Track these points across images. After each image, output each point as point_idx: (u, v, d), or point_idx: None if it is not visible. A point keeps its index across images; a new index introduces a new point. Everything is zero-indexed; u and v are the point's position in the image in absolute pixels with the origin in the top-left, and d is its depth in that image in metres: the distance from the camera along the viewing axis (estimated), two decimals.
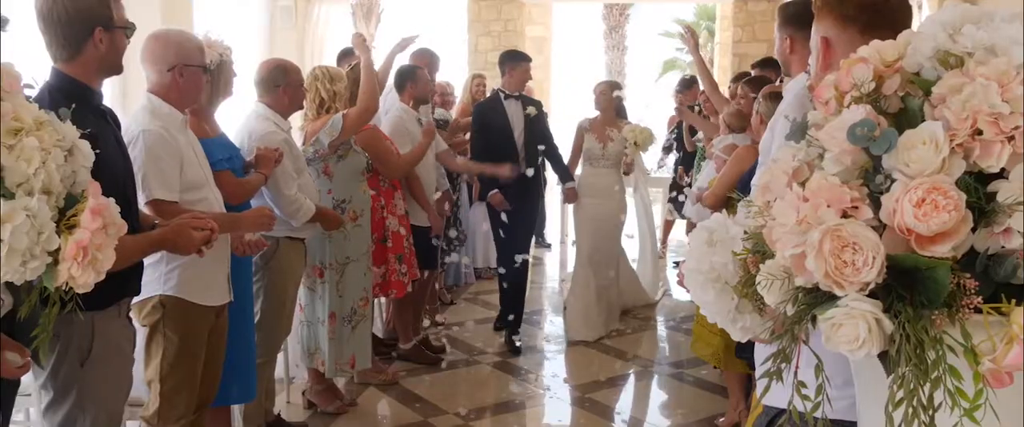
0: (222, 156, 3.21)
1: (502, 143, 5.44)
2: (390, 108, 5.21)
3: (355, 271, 4.23)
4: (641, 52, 22.49)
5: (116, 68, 2.44)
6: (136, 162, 2.72)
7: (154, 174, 2.76)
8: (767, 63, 6.85)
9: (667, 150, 8.18)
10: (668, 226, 8.66)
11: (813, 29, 1.79)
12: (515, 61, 5.61)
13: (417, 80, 5.10)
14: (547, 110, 8.82)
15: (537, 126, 5.58)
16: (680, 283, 1.88)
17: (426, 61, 5.69)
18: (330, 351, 4.21)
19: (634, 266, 6.66)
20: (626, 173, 6.08)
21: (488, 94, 6.33)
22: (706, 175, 5.16)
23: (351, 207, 4.18)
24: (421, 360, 5.14)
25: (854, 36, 1.68)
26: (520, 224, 5.61)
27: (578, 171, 5.94)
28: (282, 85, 3.73)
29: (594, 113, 5.88)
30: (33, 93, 2.06)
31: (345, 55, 5.76)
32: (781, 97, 4.03)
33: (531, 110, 5.55)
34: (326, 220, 3.89)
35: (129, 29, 2.41)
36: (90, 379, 2.39)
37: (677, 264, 8.11)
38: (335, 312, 4.20)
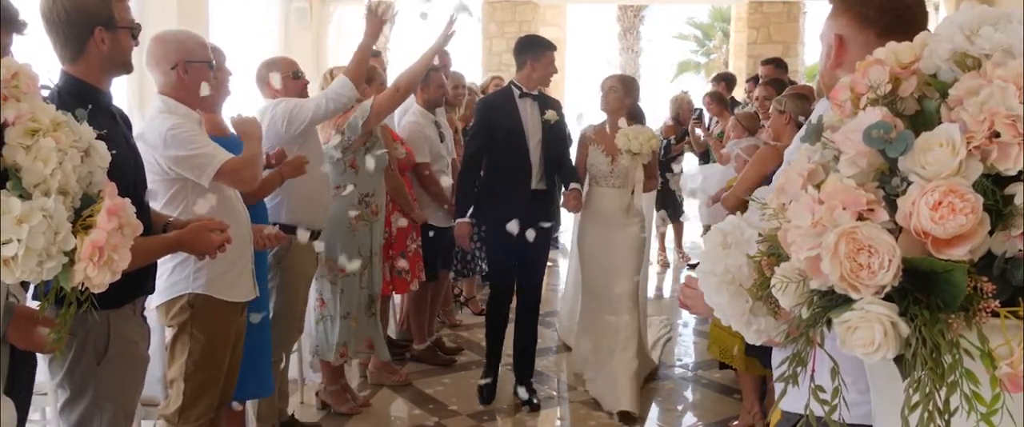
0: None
1: (513, 151, 4.38)
2: (406, 110, 5.20)
3: (376, 264, 4.29)
4: (655, 53, 22.46)
5: (123, 68, 2.45)
6: (179, 155, 2.77)
7: (209, 148, 2.83)
8: (776, 62, 6.86)
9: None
10: (661, 237, 8.61)
11: (826, 26, 1.77)
12: (538, 50, 4.44)
13: (429, 82, 4.99)
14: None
15: (557, 135, 4.54)
16: (682, 305, 1.88)
17: (441, 61, 5.48)
18: (353, 339, 4.27)
19: None
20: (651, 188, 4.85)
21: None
22: (719, 178, 5.14)
23: (374, 201, 4.23)
24: (434, 361, 5.15)
25: (871, 38, 1.66)
26: (529, 253, 4.45)
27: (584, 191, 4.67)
28: (269, 77, 3.80)
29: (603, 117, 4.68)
30: (46, 94, 2.08)
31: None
32: (805, 97, 4.02)
33: (551, 115, 4.42)
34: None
35: (135, 29, 2.42)
36: (106, 377, 2.42)
37: (693, 266, 8.10)
38: (362, 303, 4.27)
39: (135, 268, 1.90)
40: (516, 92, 4.44)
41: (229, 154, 2.88)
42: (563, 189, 4.57)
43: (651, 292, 7.26)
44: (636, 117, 4.77)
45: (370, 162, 4.04)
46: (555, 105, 4.56)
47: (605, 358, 4.53)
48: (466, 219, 4.45)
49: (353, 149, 4.09)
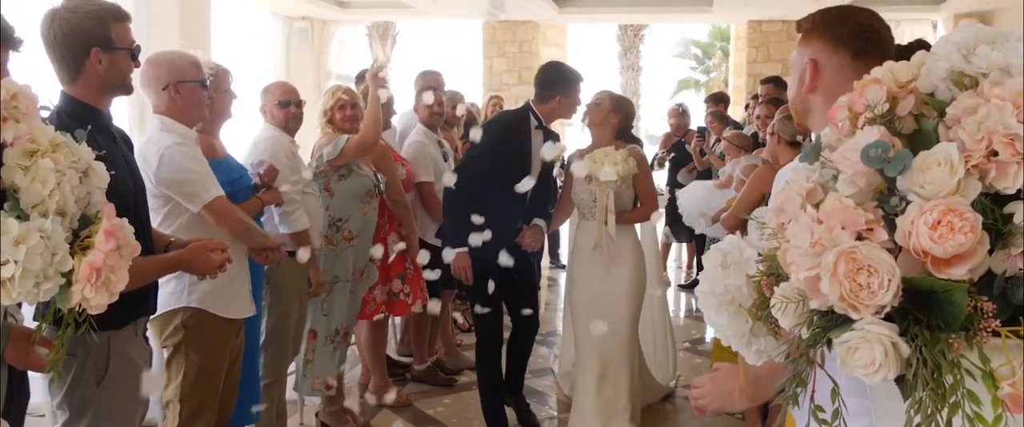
0: (223, 180, 3.21)
1: (513, 185, 3.89)
2: (409, 129, 5.21)
3: (342, 291, 4.15)
4: (655, 72, 22.50)
5: (121, 89, 2.45)
6: (175, 175, 2.80)
7: (205, 176, 2.86)
8: (775, 81, 6.89)
9: (659, 164, 8.14)
10: (665, 250, 8.59)
11: (797, 52, 1.78)
12: (571, 84, 4.13)
13: (418, 104, 5.06)
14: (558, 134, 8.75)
15: (550, 172, 4.26)
16: (696, 410, 1.88)
17: (435, 82, 5.39)
18: (307, 369, 4.15)
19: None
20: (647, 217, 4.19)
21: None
22: (718, 198, 5.14)
23: (347, 226, 4.15)
24: (435, 381, 5.13)
25: (845, 61, 1.69)
26: (514, 288, 4.19)
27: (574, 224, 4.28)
28: (262, 103, 3.85)
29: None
30: (46, 115, 2.08)
31: (362, 76, 5.77)
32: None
33: (550, 151, 4.07)
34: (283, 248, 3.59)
35: (134, 50, 2.42)
36: (106, 398, 2.40)
37: (684, 287, 8.08)
38: (317, 330, 4.13)
39: (135, 288, 1.90)
40: (533, 122, 4.11)
41: (221, 191, 2.90)
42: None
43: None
44: (625, 134, 4.22)
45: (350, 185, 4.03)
46: (555, 138, 4.23)
47: (598, 407, 4.08)
48: (463, 249, 4.00)
49: (324, 174, 4.08)
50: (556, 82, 4.13)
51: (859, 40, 1.70)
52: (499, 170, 3.96)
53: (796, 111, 1.80)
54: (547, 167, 4.19)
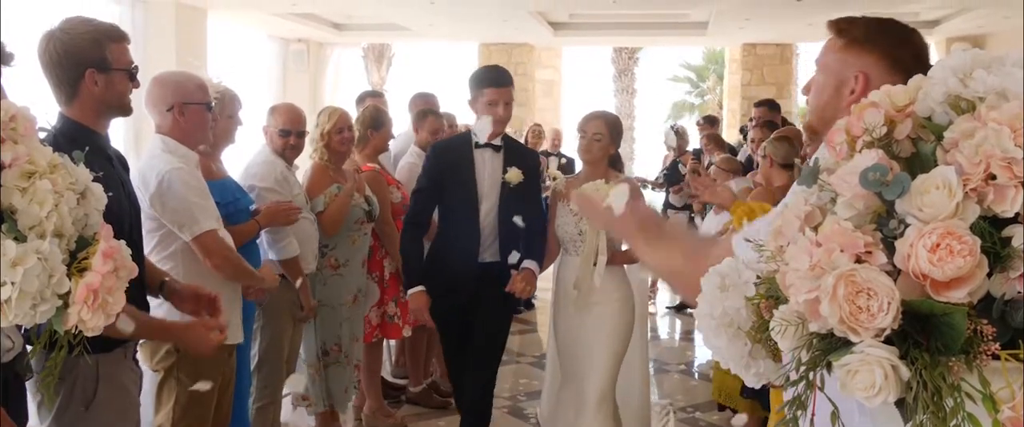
0: (219, 201, 3.20)
1: (460, 214, 3.67)
2: (404, 151, 5.22)
3: (330, 316, 4.13)
4: (650, 95, 22.62)
5: (118, 110, 2.43)
6: (170, 201, 2.77)
7: (200, 208, 2.82)
8: (769, 104, 6.95)
9: (659, 186, 8.18)
10: None
11: (838, 59, 1.66)
12: (475, 85, 3.69)
13: (423, 124, 5.07)
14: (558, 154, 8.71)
15: (520, 199, 3.70)
16: None
17: (429, 103, 5.46)
18: (313, 390, 4.18)
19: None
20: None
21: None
22: (716, 221, 5.15)
23: (333, 254, 4.13)
24: (430, 404, 5.11)
25: (897, 82, 1.60)
26: (482, 337, 3.78)
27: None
28: (266, 124, 3.86)
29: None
30: (43, 136, 2.08)
31: (363, 98, 5.79)
32: (787, 139, 4.05)
33: (513, 175, 3.65)
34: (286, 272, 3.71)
35: (132, 71, 2.40)
36: (95, 423, 2.37)
37: (676, 308, 8.08)
38: (311, 355, 4.16)
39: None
40: (474, 141, 3.70)
41: (214, 224, 2.87)
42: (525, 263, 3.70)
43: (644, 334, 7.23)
44: (616, 162, 3.91)
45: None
46: (525, 159, 3.80)
47: None
48: (420, 288, 3.69)
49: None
50: (469, 88, 3.73)
51: (918, 66, 1.56)
52: (442, 200, 3.73)
53: (821, 118, 1.65)
54: (512, 192, 3.69)
